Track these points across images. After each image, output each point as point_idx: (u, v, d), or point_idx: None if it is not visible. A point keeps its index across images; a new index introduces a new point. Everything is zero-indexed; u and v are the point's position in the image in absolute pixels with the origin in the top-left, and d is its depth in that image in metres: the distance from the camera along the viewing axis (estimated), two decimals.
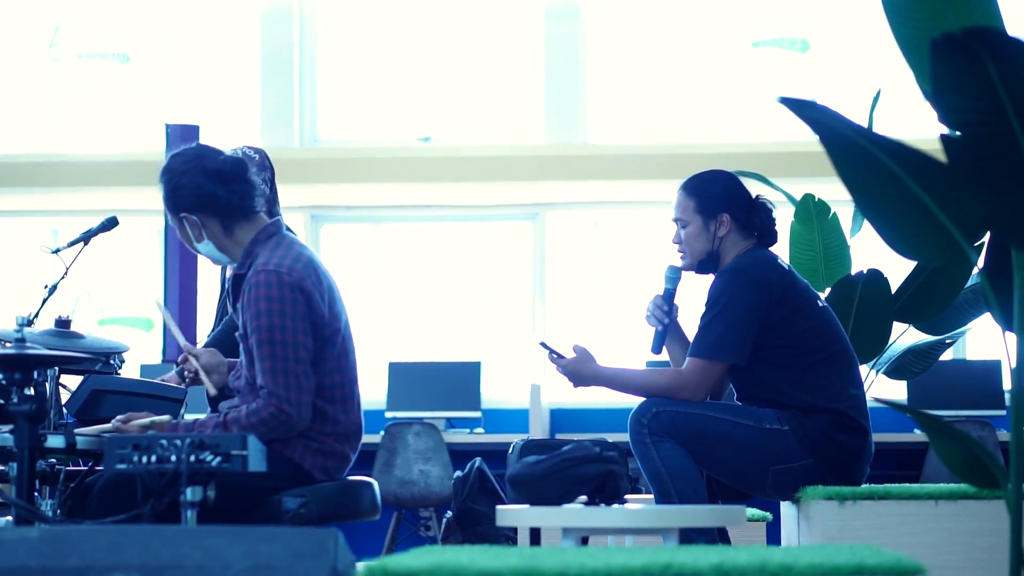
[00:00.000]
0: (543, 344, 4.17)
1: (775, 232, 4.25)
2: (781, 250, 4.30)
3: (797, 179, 6.89)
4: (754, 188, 4.39)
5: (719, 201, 4.18)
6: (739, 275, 4.07)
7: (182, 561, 2.35)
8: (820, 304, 4.15)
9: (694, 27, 9.21)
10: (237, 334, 3.76)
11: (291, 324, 3.63)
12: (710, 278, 4.19)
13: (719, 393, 4.13)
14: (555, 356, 4.15)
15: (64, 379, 4.08)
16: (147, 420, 3.62)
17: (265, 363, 3.62)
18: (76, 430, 3.61)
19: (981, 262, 3.03)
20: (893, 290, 5.29)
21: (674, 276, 4.28)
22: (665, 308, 4.29)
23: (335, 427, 3.73)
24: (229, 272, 4.93)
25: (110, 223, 4.78)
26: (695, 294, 4.30)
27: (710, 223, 4.19)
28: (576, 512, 3.54)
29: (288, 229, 3.91)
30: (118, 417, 3.67)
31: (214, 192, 3.74)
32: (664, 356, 4.39)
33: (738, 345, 4.02)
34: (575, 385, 4.17)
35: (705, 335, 4.05)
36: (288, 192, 5.19)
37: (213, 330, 5.07)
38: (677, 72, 9.19)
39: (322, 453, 3.71)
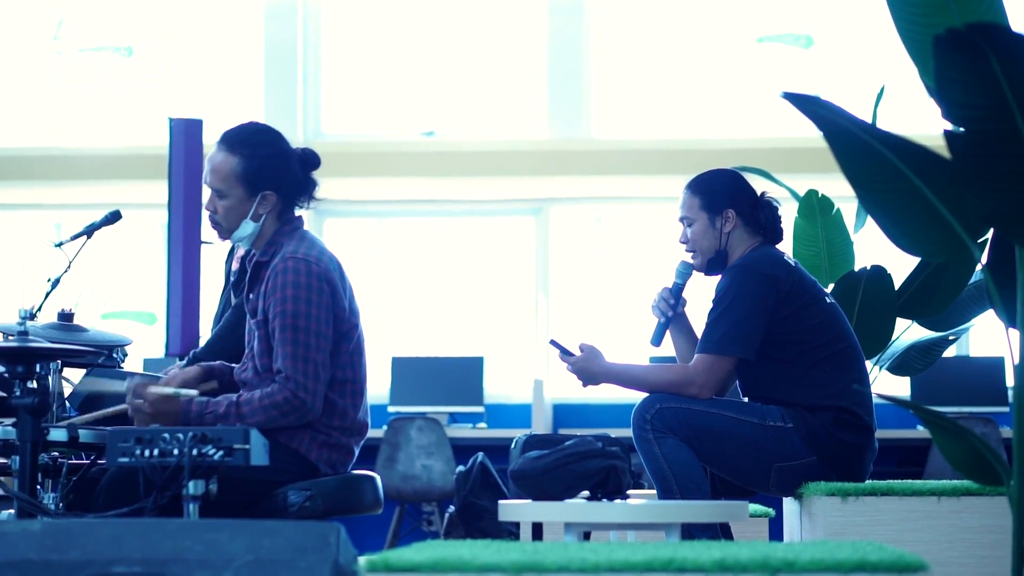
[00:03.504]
0: (553, 342, 4.16)
1: (780, 229, 4.25)
2: (785, 246, 4.30)
3: (801, 175, 6.87)
4: (757, 184, 4.38)
5: (724, 197, 4.19)
6: (746, 271, 4.07)
7: (184, 555, 2.34)
8: (828, 300, 4.14)
9: (698, 22, 9.20)
10: (252, 321, 3.75)
11: (315, 312, 3.65)
12: (717, 278, 4.18)
13: (725, 390, 4.13)
14: (565, 354, 4.15)
15: (67, 372, 4.08)
16: (170, 390, 3.59)
17: (287, 348, 3.63)
18: (89, 377, 3.60)
19: (984, 258, 3.02)
20: (896, 286, 5.27)
21: (685, 271, 4.28)
22: (671, 301, 4.29)
23: (343, 421, 3.73)
24: (235, 265, 4.92)
25: (113, 216, 4.78)
26: (702, 292, 4.30)
27: (716, 219, 4.19)
28: (578, 507, 3.54)
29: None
30: (136, 377, 3.64)
31: (301, 178, 3.81)
32: (665, 350, 4.38)
33: (746, 340, 4.01)
34: (584, 384, 4.16)
35: (713, 331, 4.04)
36: None
37: (215, 324, 5.06)
38: (681, 67, 9.19)
39: (328, 446, 3.71)
